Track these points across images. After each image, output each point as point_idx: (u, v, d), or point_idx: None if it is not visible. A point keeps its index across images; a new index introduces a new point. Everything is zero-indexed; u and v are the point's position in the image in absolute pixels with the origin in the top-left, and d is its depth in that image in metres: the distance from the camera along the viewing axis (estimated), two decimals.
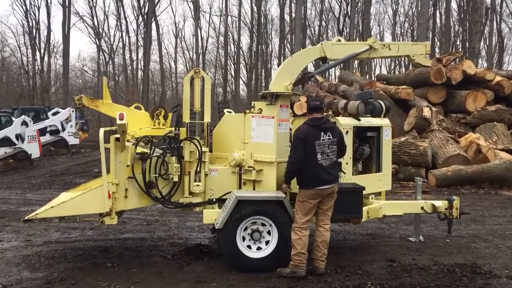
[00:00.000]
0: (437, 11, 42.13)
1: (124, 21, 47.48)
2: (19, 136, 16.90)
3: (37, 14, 43.94)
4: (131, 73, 48.10)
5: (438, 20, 43.00)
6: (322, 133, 5.08)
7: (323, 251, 5.18)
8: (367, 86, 17.04)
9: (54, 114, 22.98)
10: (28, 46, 44.65)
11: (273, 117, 5.55)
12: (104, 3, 79.08)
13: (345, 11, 43.64)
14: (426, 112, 13.98)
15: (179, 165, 5.53)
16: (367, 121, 6.02)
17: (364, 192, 5.61)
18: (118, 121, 5.00)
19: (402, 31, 50.12)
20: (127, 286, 4.91)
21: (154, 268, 5.46)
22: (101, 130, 5.42)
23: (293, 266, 5.07)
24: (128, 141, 5.44)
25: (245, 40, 52.89)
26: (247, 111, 5.80)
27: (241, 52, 49.79)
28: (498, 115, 14.15)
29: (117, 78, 49.13)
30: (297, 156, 5.03)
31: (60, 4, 39.19)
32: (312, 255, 5.20)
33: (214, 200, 5.65)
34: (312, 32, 49.04)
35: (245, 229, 5.27)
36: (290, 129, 6.01)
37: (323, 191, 5.07)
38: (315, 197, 5.06)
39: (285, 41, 47.29)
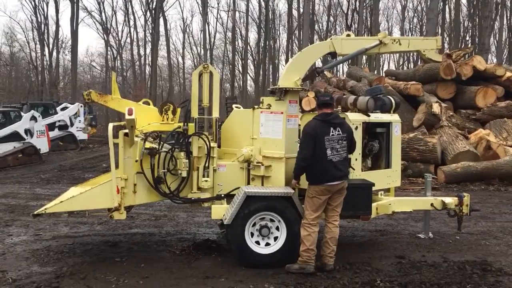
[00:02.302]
0: (447, 6, 41.78)
1: (132, 17, 47.60)
2: (28, 131, 17.00)
3: (45, 9, 43.97)
4: (139, 69, 48.20)
5: (447, 15, 42.69)
6: (332, 128, 5.04)
7: (332, 248, 5.15)
8: (375, 81, 16.92)
9: (62, 109, 23.09)
10: (36, 42, 45.00)
11: (282, 113, 5.52)
12: None
13: (354, 6, 43.38)
14: (436, 108, 13.84)
15: (187, 160, 5.52)
16: (377, 117, 5.98)
17: (373, 188, 5.57)
18: (127, 116, 4.99)
19: (411, 26, 49.86)
20: (136, 281, 4.92)
21: (162, 263, 5.47)
22: (110, 125, 5.42)
23: (301, 262, 5.05)
24: (136, 136, 5.45)
25: (252, 36, 52.90)
26: (256, 106, 5.78)
27: (248, 48, 49.78)
28: (508, 111, 14.00)
29: (125, 74, 49.26)
30: (306, 152, 4.99)
31: None
32: (321, 252, 5.17)
33: (222, 195, 5.63)
34: (320, 27, 48.86)
35: (254, 224, 5.26)
36: (299, 124, 5.98)
37: (333, 187, 5.03)
38: (324, 193, 5.02)
39: (293, 37, 47.16)
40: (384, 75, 21.17)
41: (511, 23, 43.03)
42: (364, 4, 39.48)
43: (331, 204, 5.15)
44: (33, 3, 43.34)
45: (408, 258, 5.70)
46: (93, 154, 19.93)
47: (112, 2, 72.05)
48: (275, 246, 5.28)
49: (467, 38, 43.66)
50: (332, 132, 5.03)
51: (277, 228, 5.29)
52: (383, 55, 38.78)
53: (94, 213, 5.96)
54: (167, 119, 5.90)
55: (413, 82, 15.59)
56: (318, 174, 5.01)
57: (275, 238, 5.29)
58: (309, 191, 5.10)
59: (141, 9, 52.46)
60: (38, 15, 43.63)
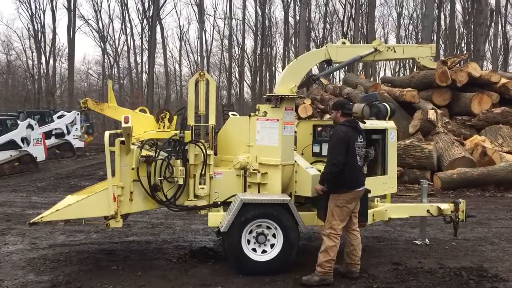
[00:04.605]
0: (442, 13, 42.08)
1: (129, 25, 48.01)
2: (24, 139, 16.95)
3: (42, 17, 44.37)
4: (135, 76, 48.29)
5: (442, 22, 42.98)
6: (357, 135, 5.09)
7: (360, 254, 5.17)
8: (371, 88, 17.00)
9: (59, 117, 23.05)
10: (33, 50, 44.92)
11: (278, 120, 5.54)
12: (109, 7, 79.77)
13: (350, 14, 43.65)
14: (431, 115, 13.91)
15: (184, 168, 5.53)
16: (372, 123, 6.00)
17: (370, 195, 5.59)
18: (123, 124, 5.01)
19: (407, 33, 50.13)
20: None
21: (159, 271, 5.46)
22: (106, 133, 5.43)
23: (323, 274, 4.96)
24: (133, 144, 5.45)
25: (249, 43, 52.94)
26: (252, 114, 5.80)
27: (245, 55, 49.89)
28: (503, 117, 14.08)
29: (122, 81, 49.29)
30: (340, 157, 4.90)
31: (65, 7, 39.42)
32: (347, 260, 5.18)
33: (219, 203, 5.64)
34: (317, 34, 49.08)
35: (250, 232, 5.26)
36: (295, 131, 6.00)
37: (359, 193, 5.06)
38: (352, 201, 5.00)
39: (290, 44, 47.36)
40: (380, 82, 21.25)
41: (506, 30, 43.38)
42: (360, 12, 39.77)
43: (354, 211, 5.14)
44: (29, 11, 43.46)
45: (404, 264, 5.71)
46: (90, 162, 19.89)
47: (109, 10, 72.70)
48: (271, 253, 5.28)
49: (463, 45, 43.95)
50: (358, 138, 5.08)
51: (274, 235, 5.29)
52: (379, 62, 38.92)
53: (91, 221, 5.95)
54: (164, 126, 5.91)
55: (409, 89, 15.67)
56: (349, 180, 4.98)
57: (272, 245, 5.30)
58: (338, 200, 4.97)
59: (138, 17, 52.92)
60: (35, 24, 43.69)
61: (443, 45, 43.01)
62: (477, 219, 8.17)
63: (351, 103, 5.46)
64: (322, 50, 6.00)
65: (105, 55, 48.00)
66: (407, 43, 45.24)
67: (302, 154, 6.26)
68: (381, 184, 6.14)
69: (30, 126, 17.49)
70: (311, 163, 5.96)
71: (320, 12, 48.65)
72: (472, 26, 38.58)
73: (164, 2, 44.63)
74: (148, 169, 5.42)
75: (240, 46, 49.15)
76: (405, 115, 15.00)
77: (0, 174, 15.00)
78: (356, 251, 5.15)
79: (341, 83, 24.44)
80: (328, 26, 48.57)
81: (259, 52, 47.82)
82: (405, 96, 15.26)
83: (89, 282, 5.10)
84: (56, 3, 45.12)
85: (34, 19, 43.52)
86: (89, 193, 5.64)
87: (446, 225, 6.87)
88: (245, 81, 51.36)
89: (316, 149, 6.23)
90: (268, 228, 5.28)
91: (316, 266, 5.00)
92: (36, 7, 43.93)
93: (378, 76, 37.38)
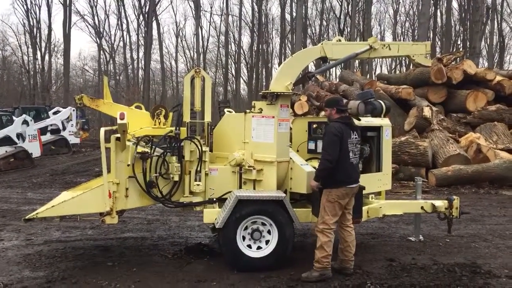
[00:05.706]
0: (438, 11, 42.13)
1: (125, 20, 47.61)
2: (20, 135, 16.92)
3: (38, 13, 43.94)
4: (132, 73, 48.14)
5: (439, 19, 43.02)
6: (351, 131, 5.11)
7: (353, 251, 5.20)
8: (367, 85, 17.05)
9: (55, 113, 23.00)
10: (29, 45, 44.80)
11: (273, 117, 5.55)
12: (105, 2, 79.45)
13: (346, 11, 43.70)
14: (427, 112, 13.98)
15: (179, 164, 5.54)
16: (367, 120, 6.03)
17: (364, 192, 5.61)
18: (118, 121, 5.01)
19: (403, 30, 50.15)
20: (128, 285, 4.92)
21: (154, 267, 5.48)
22: (102, 130, 5.42)
23: (321, 269, 5.00)
24: (128, 140, 5.45)
25: (246, 40, 53.14)
26: (248, 110, 5.81)
27: (242, 52, 49.88)
28: (498, 115, 14.16)
29: (118, 78, 49.15)
30: (334, 153, 4.95)
31: (61, 3, 39.28)
32: (341, 256, 5.21)
33: (214, 199, 5.65)
34: (313, 31, 49.08)
35: (245, 228, 5.27)
36: (291, 128, 6.01)
37: (353, 189, 5.09)
38: (345, 196, 5.04)
39: (286, 41, 47.31)
40: (376, 79, 21.30)
41: (501, 28, 43.50)
42: (357, 9, 39.77)
43: (347, 208, 5.18)
44: (25, 6, 43.26)
45: (398, 261, 5.75)
46: (86, 158, 19.85)
47: (105, 6, 72.24)
48: (266, 250, 5.29)
49: (459, 42, 44.05)
50: (352, 135, 5.11)
51: (269, 232, 5.31)
52: (375, 59, 38.98)
53: (86, 218, 5.95)
54: (159, 123, 5.92)
55: (405, 86, 15.73)
56: (341, 176, 5.02)
57: (267, 242, 5.31)
58: (330, 195, 5.02)
59: (134, 13, 52.65)
60: (30, 19, 43.50)
61: (439, 43, 43.07)
62: (471, 216, 8.24)
63: (344, 100, 5.49)
64: (318, 48, 6.02)
65: (101, 51, 47.87)
66: (403, 40, 45.28)
67: (298, 151, 6.29)
68: (376, 181, 6.16)
69: (25, 122, 17.48)
70: (306, 160, 5.99)
71: (317, 9, 48.69)
72: (468, 24, 38.64)
73: None
74: (143, 166, 5.42)
75: (237, 42, 49.17)
76: (401, 112, 15.06)
77: None
78: (350, 248, 5.18)
79: (337, 80, 24.48)
80: (324, 23, 48.57)
81: (255, 48, 47.82)
82: (401, 94, 15.31)
83: (85, 278, 5.11)
84: None
85: (29, 14, 43.38)
86: (85, 189, 5.63)
87: (440, 222, 6.93)
88: (242, 78, 51.39)
89: (312, 146, 6.26)
90: (263, 224, 5.30)
91: (314, 263, 5.04)
92: (31, 2, 43.66)
93: (374, 73, 37.47)
